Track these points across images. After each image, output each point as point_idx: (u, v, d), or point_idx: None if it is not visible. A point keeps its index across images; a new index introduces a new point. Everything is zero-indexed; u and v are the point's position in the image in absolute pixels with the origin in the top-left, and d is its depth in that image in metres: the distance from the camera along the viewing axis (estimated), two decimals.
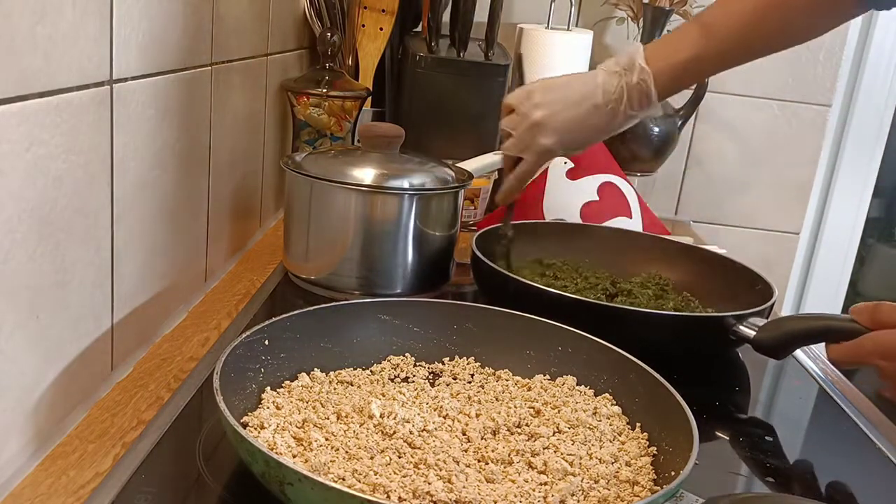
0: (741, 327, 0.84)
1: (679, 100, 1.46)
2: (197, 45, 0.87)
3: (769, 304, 0.88)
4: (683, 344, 0.85)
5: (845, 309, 0.79)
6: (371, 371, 0.76)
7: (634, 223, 1.21)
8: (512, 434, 0.66)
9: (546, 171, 1.23)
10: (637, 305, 0.94)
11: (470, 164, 1.07)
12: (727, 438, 0.76)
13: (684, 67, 0.89)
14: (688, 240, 1.17)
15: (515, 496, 0.57)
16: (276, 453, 0.56)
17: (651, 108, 0.91)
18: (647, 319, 0.85)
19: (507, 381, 0.76)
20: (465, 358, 0.79)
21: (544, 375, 0.76)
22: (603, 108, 0.91)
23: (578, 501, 0.58)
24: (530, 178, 0.99)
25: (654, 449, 0.65)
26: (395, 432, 0.63)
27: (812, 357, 0.94)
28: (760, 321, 0.84)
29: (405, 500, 0.55)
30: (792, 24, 0.87)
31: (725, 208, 1.63)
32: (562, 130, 0.93)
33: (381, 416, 0.65)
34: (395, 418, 0.65)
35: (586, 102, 0.92)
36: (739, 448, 0.74)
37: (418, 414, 0.67)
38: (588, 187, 1.22)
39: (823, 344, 0.77)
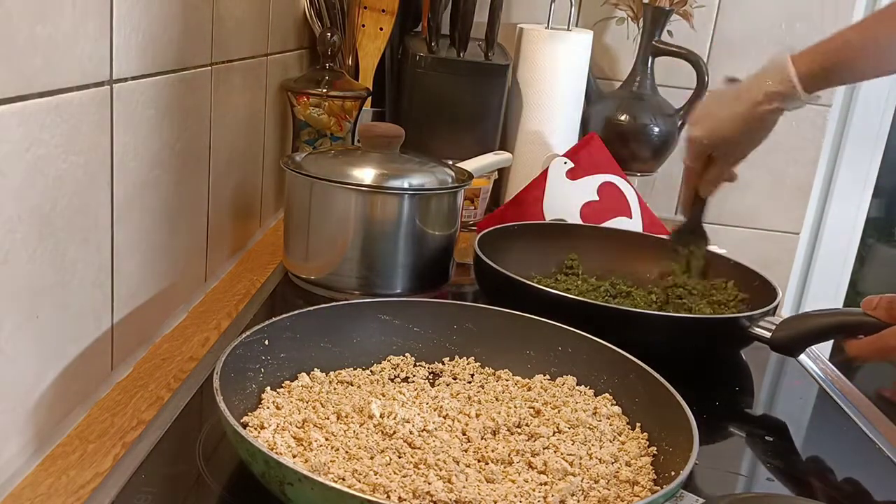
0: (756, 328, 0.84)
1: (679, 100, 1.46)
2: (197, 45, 0.87)
3: (776, 302, 0.88)
4: (695, 345, 0.85)
5: None
6: (371, 371, 0.76)
7: (634, 223, 1.21)
8: (512, 434, 0.66)
9: (546, 171, 1.23)
10: (636, 307, 0.94)
11: (470, 164, 1.07)
12: (727, 438, 0.76)
13: (827, 51, 0.88)
14: None
15: (515, 496, 0.57)
16: (276, 453, 0.56)
17: (795, 99, 0.88)
18: (658, 322, 0.85)
19: (507, 381, 0.76)
20: (465, 358, 0.79)
21: (544, 375, 0.76)
22: (743, 108, 0.91)
23: (578, 501, 0.58)
24: (695, 180, 0.96)
25: (654, 449, 0.65)
26: (395, 432, 0.63)
27: (812, 357, 0.94)
28: (774, 320, 0.84)
29: (405, 500, 0.55)
30: None
31: (725, 208, 1.63)
32: (706, 121, 0.93)
33: (381, 416, 0.65)
34: (395, 418, 0.65)
35: (728, 102, 0.92)
36: (739, 448, 0.74)
37: (418, 414, 0.67)
38: (588, 187, 1.22)
39: (826, 344, 0.78)
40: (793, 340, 0.83)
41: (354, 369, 0.75)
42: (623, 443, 0.66)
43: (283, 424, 0.63)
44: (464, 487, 0.56)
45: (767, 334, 0.83)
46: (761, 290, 0.94)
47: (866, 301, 0.77)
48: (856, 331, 0.76)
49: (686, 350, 0.83)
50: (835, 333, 0.79)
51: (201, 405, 0.72)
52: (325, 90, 1.22)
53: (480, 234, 1.00)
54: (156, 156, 0.79)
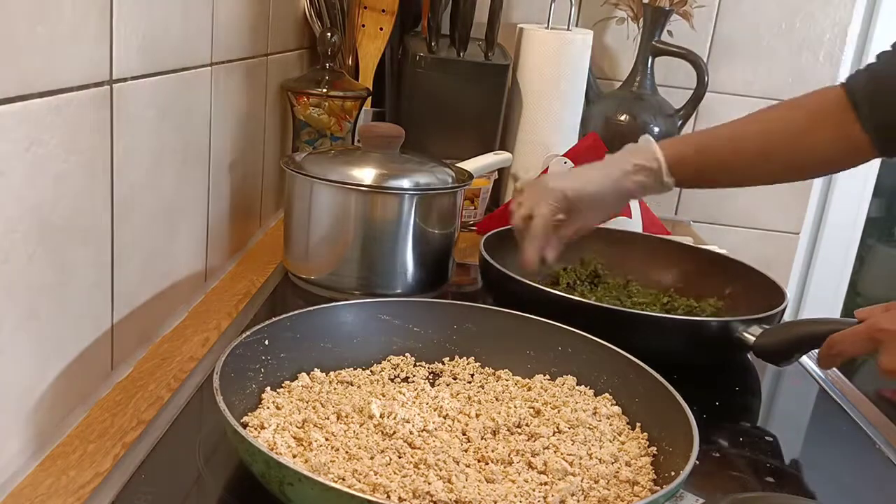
0: (745, 333, 0.83)
1: (679, 100, 1.46)
2: (197, 45, 0.87)
3: (781, 308, 0.87)
4: (685, 349, 0.85)
5: (846, 310, 0.79)
6: (371, 371, 0.76)
7: (634, 223, 1.21)
8: (512, 434, 0.66)
9: (546, 171, 1.23)
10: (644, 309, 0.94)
11: (470, 164, 1.07)
12: (727, 438, 0.76)
13: (695, 140, 0.93)
14: (688, 240, 1.17)
15: (515, 496, 0.57)
16: (276, 453, 0.56)
17: (654, 162, 0.89)
18: (652, 323, 0.85)
19: (507, 381, 0.76)
20: (465, 358, 0.79)
21: (544, 375, 0.76)
22: (609, 158, 0.92)
23: (578, 501, 0.58)
24: (545, 233, 0.91)
25: (654, 449, 0.65)
26: (395, 432, 0.63)
27: (812, 358, 0.94)
28: (762, 327, 0.83)
29: (405, 500, 0.55)
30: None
31: (725, 208, 1.63)
32: (570, 176, 0.93)
33: (381, 416, 0.65)
34: (395, 418, 0.65)
35: (598, 166, 0.93)
36: (739, 448, 0.74)
37: (418, 414, 0.67)
38: None
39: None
40: (775, 348, 0.81)
41: (354, 369, 0.75)
42: (623, 443, 0.66)
43: (283, 424, 0.63)
44: (464, 487, 0.56)
45: (751, 340, 0.82)
46: (761, 294, 0.93)
47: (860, 311, 0.76)
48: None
49: (672, 352, 0.82)
50: (819, 342, 0.77)
51: (201, 405, 0.72)
52: (325, 90, 1.22)
53: (486, 236, 1.00)
54: (156, 156, 0.79)
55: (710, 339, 0.85)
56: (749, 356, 0.91)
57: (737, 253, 1.08)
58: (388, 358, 0.77)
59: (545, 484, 0.59)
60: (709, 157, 0.90)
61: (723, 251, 1.10)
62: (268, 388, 0.68)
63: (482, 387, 0.74)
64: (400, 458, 0.60)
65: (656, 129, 1.42)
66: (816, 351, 0.78)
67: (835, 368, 0.92)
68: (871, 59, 0.88)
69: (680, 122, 1.45)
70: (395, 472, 0.58)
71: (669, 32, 1.44)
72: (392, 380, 0.75)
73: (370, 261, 0.95)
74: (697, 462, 0.57)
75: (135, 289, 0.78)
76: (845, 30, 1.52)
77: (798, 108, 0.89)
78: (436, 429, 0.65)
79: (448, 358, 0.79)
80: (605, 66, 1.58)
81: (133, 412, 0.71)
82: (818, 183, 1.71)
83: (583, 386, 0.74)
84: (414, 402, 0.69)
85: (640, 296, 0.99)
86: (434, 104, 1.34)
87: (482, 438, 0.65)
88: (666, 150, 0.89)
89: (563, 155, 1.24)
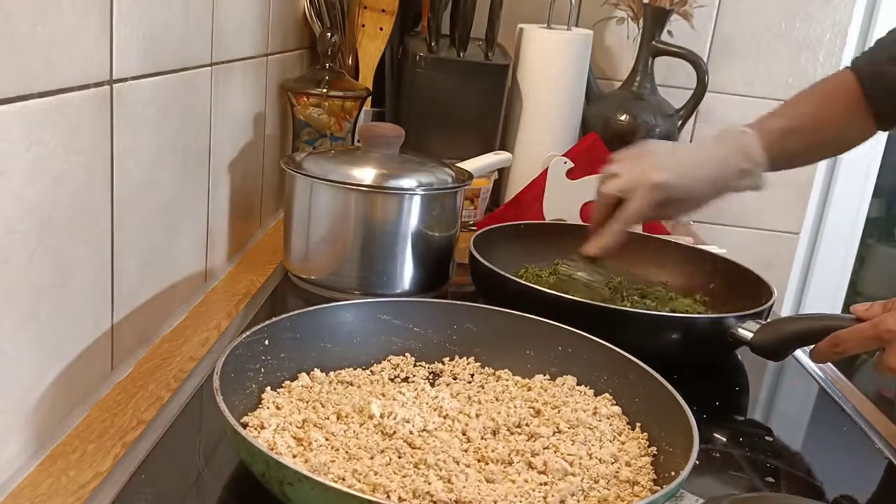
0: (739, 329, 0.83)
1: (679, 100, 1.46)
2: (197, 45, 0.87)
3: (768, 304, 0.88)
4: (681, 346, 0.85)
5: (845, 310, 0.79)
6: (371, 371, 0.76)
7: None
8: (512, 434, 0.66)
9: (546, 171, 1.23)
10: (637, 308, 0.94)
11: (470, 164, 1.07)
12: (727, 438, 0.76)
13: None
14: (688, 240, 1.17)
15: (515, 496, 0.57)
16: (276, 453, 0.56)
17: (758, 167, 0.90)
18: (646, 321, 0.85)
19: (507, 381, 0.76)
20: (465, 358, 0.79)
21: (544, 375, 0.76)
22: (713, 154, 0.90)
23: (578, 501, 0.58)
24: (636, 223, 0.91)
25: (654, 449, 0.65)
26: (395, 432, 0.63)
27: None
28: (758, 323, 0.84)
29: (405, 500, 0.55)
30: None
31: (725, 208, 1.63)
32: (675, 166, 0.88)
33: (381, 417, 0.65)
34: (395, 418, 0.65)
35: (698, 147, 0.93)
36: (739, 448, 0.74)
37: (418, 414, 0.66)
38: (588, 187, 1.22)
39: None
40: (773, 344, 0.82)
41: (354, 369, 0.75)
42: (623, 443, 0.66)
43: (283, 424, 0.63)
44: (464, 487, 0.56)
45: (749, 336, 0.83)
46: (757, 292, 0.93)
47: (856, 307, 0.76)
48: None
49: (667, 350, 0.83)
50: (816, 338, 0.78)
51: (201, 405, 0.72)
52: (325, 90, 1.22)
53: (476, 234, 1.00)
54: (156, 156, 0.79)
55: (704, 335, 0.85)
56: (738, 354, 0.91)
57: (737, 253, 1.08)
58: (388, 358, 0.77)
59: (545, 484, 0.59)
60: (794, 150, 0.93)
61: (723, 251, 1.10)
62: (268, 388, 0.68)
63: (482, 387, 0.74)
64: (400, 458, 0.60)
65: (656, 130, 1.42)
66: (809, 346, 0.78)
67: (835, 369, 0.93)
68: None
69: (680, 122, 1.45)
70: (395, 472, 0.58)
71: (669, 32, 1.44)
72: (392, 380, 0.75)
73: (370, 261, 0.95)
74: (697, 462, 0.57)
75: (135, 289, 0.78)
76: (845, 30, 1.52)
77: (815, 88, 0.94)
78: (436, 429, 0.65)
79: (448, 358, 0.79)
80: (605, 66, 1.58)
81: (133, 412, 0.71)
82: (818, 183, 1.71)
83: (583, 386, 0.74)
84: (414, 402, 0.69)
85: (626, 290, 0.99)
86: (434, 104, 1.34)
87: (482, 438, 0.65)
88: (766, 152, 0.90)
89: (564, 155, 1.24)
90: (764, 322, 0.84)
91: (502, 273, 0.90)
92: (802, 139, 0.93)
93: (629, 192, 0.87)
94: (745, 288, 0.96)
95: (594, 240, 0.89)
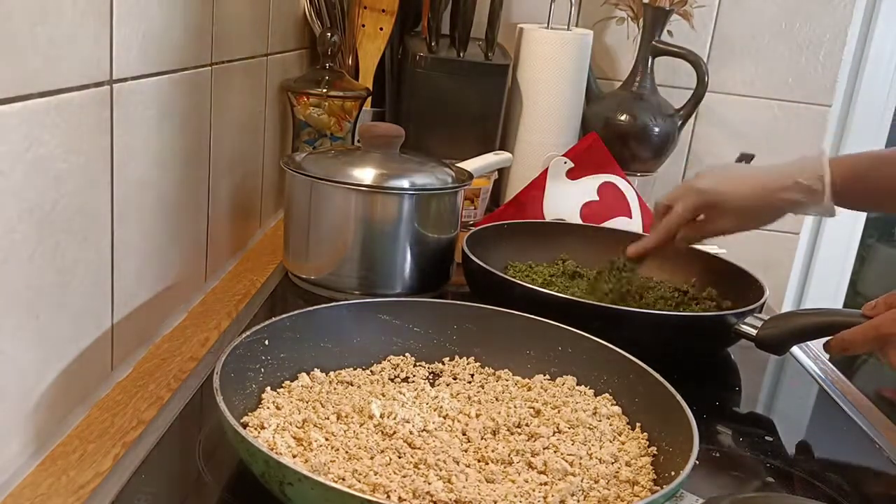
0: (742, 325, 0.85)
1: (679, 99, 1.46)
2: (197, 45, 0.87)
3: (761, 301, 0.89)
4: (683, 344, 0.85)
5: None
6: (371, 371, 0.76)
7: (634, 223, 1.21)
8: (512, 434, 0.66)
9: (546, 171, 1.23)
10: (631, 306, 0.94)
11: (470, 164, 1.07)
12: (727, 438, 0.76)
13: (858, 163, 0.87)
14: None
15: (515, 496, 0.57)
16: (276, 453, 0.56)
17: (818, 182, 0.85)
18: (644, 320, 0.85)
19: (507, 381, 0.76)
20: (465, 358, 0.79)
21: (544, 375, 0.76)
22: (771, 168, 0.89)
23: (578, 501, 0.58)
24: (677, 226, 0.92)
25: (654, 449, 0.65)
26: (395, 432, 0.63)
27: (812, 357, 0.95)
28: (762, 317, 0.85)
29: (405, 500, 0.55)
30: None
31: None
32: (722, 176, 0.90)
33: (381, 416, 0.65)
34: (395, 418, 0.65)
35: (758, 173, 0.90)
36: (739, 448, 0.74)
37: (418, 414, 0.67)
38: (588, 187, 1.22)
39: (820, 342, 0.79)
40: (778, 338, 0.84)
41: (354, 369, 0.75)
42: (623, 443, 0.66)
43: (283, 424, 0.63)
44: (464, 487, 0.56)
45: (753, 332, 0.84)
46: (748, 288, 0.94)
47: (867, 305, 0.77)
48: (844, 329, 0.77)
49: (671, 348, 0.83)
50: (820, 333, 0.80)
51: (201, 405, 0.72)
52: (325, 90, 1.22)
53: (469, 234, 1.00)
54: (156, 156, 0.79)
55: (706, 332, 0.87)
56: (738, 354, 0.92)
57: (737, 253, 1.08)
58: (388, 358, 0.77)
59: (545, 484, 0.59)
60: (877, 181, 0.86)
61: (723, 251, 1.10)
62: (268, 388, 0.68)
63: (482, 387, 0.74)
64: (400, 458, 0.60)
65: (656, 130, 1.42)
66: (813, 346, 0.79)
67: (835, 369, 0.93)
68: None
69: (680, 122, 1.45)
70: (395, 472, 0.58)
71: (669, 32, 1.44)
72: (392, 380, 0.75)
73: (370, 261, 0.95)
74: (697, 462, 0.57)
75: (135, 289, 0.78)
76: (845, 30, 1.52)
77: None
78: (436, 429, 0.65)
79: (448, 358, 0.79)
80: (605, 66, 1.58)
81: (133, 412, 0.71)
82: None
83: (583, 386, 0.74)
84: (414, 402, 0.69)
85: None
86: (434, 104, 1.34)
87: (482, 438, 0.65)
88: (835, 170, 0.84)
89: (563, 155, 1.24)
90: (765, 318, 0.85)
91: (493, 270, 0.90)
92: (872, 183, 0.87)
93: (675, 199, 0.92)
94: (732, 285, 0.97)
95: (638, 241, 0.96)
